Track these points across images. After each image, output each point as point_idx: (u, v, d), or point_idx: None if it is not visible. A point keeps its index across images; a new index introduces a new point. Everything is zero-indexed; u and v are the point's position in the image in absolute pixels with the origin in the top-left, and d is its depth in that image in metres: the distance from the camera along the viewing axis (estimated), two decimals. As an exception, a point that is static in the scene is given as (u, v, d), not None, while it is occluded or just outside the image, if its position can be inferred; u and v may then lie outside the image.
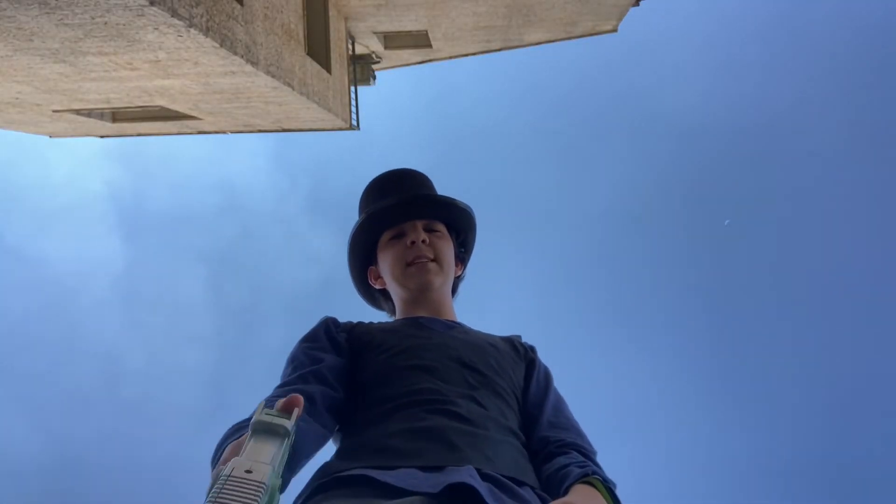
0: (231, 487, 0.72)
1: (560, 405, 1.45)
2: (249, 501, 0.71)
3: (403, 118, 51.90)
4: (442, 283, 1.61)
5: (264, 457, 0.80)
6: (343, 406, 1.32)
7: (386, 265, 1.62)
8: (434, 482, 1.07)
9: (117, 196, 46.54)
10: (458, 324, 1.59)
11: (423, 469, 1.13)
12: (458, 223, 1.70)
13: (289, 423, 0.87)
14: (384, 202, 1.64)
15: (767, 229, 44.47)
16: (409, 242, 1.58)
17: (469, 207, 1.70)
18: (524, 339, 1.61)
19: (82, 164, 46.60)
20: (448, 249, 1.64)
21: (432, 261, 1.59)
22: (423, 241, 1.59)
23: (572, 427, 1.39)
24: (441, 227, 1.65)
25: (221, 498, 0.71)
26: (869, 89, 43.62)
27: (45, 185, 46.57)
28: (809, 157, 45.26)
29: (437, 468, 1.13)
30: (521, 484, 1.18)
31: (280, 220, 49.99)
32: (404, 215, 1.62)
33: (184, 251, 48.26)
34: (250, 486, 0.73)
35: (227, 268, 48.35)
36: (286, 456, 0.86)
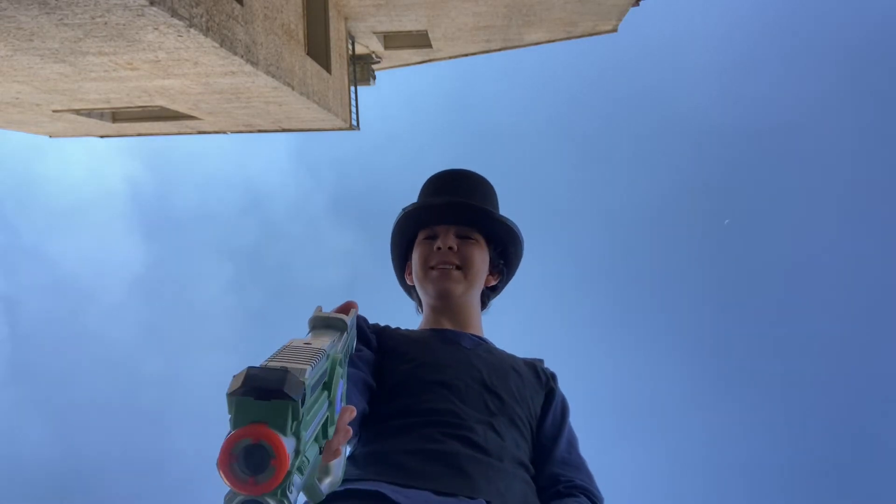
0: (287, 352, 0.67)
1: (573, 441, 1.44)
2: (306, 362, 0.65)
3: (403, 118, 51.93)
4: (464, 292, 1.57)
5: (324, 339, 0.76)
6: (374, 400, 1.31)
7: (413, 266, 1.62)
8: None
9: (137, 194, 46.39)
10: (485, 340, 1.57)
11: (436, 493, 1.13)
12: (496, 235, 1.66)
13: (347, 318, 0.83)
14: (427, 201, 1.63)
15: (769, 229, 44.44)
16: (436, 247, 1.57)
17: (510, 221, 1.65)
18: (546, 364, 1.58)
19: (101, 161, 46.36)
20: (479, 259, 1.60)
21: (458, 269, 1.56)
22: (451, 248, 1.56)
23: (583, 468, 1.38)
24: (477, 236, 1.62)
25: (277, 358, 0.65)
26: (869, 90, 43.59)
27: (62, 182, 46.41)
28: (810, 157, 45.24)
29: (450, 494, 1.13)
30: None
31: (303, 220, 49.92)
32: (440, 218, 1.61)
33: (205, 251, 48.06)
34: (309, 351, 0.68)
35: (249, 268, 48.18)
36: (348, 348, 0.82)
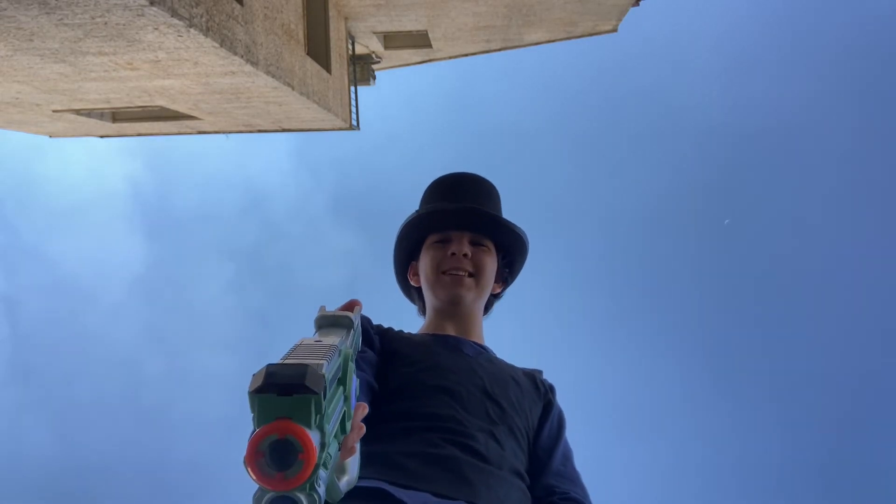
0: (301, 350, 0.68)
1: (568, 454, 1.44)
2: (321, 358, 0.65)
3: (403, 118, 51.93)
4: (474, 299, 1.59)
5: (333, 336, 0.77)
6: (375, 401, 1.30)
7: (423, 267, 1.62)
8: None
9: (138, 194, 46.30)
10: (486, 349, 1.58)
11: (437, 495, 1.13)
12: (507, 244, 1.67)
13: (352, 315, 0.84)
14: (440, 205, 1.62)
15: (769, 230, 44.46)
16: (450, 252, 1.57)
17: (523, 232, 1.66)
18: (545, 376, 1.59)
19: (101, 161, 46.07)
20: (490, 267, 1.61)
21: (470, 276, 1.57)
22: (465, 255, 1.57)
23: (578, 482, 1.38)
24: (489, 244, 1.63)
25: (292, 357, 0.66)
26: (869, 89, 43.61)
27: (62, 182, 46.25)
28: (810, 157, 45.25)
29: (450, 498, 1.13)
30: None
31: (303, 220, 49.88)
32: (455, 224, 1.61)
33: (205, 251, 47.90)
34: (321, 348, 0.69)
35: (250, 269, 48.03)
36: (356, 345, 0.83)
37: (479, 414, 1.32)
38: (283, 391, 0.59)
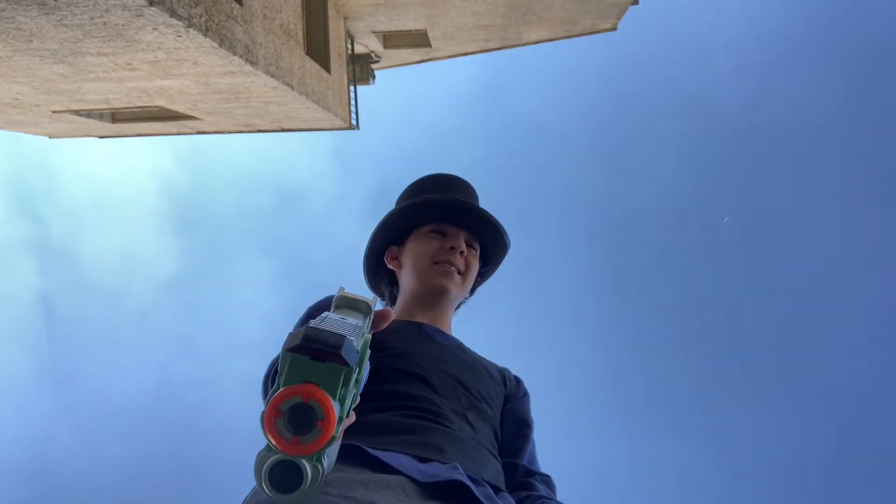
0: (331, 324, 0.67)
1: (533, 443, 1.47)
2: (348, 334, 0.64)
3: (403, 118, 51.89)
4: (457, 296, 1.61)
5: (356, 319, 0.76)
6: None
7: (413, 253, 1.61)
8: (424, 472, 1.08)
9: (171, 194, 45.65)
10: (457, 340, 1.60)
11: (413, 457, 1.13)
12: (491, 252, 1.71)
13: (370, 300, 0.84)
14: (446, 197, 1.64)
15: (769, 228, 44.47)
16: (448, 246, 1.59)
17: (510, 247, 1.71)
18: (513, 372, 1.63)
19: (133, 160, 45.29)
20: (475, 270, 1.65)
21: (459, 273, 1.59)
22: (462, 252, 1.59)
23: (537, 464, 1.43)
24: (478, 248, 1.66)
25: (323, 326, 0.64)
26: (871, 89, 43.60)
27: (92, 182, 45.65)
28: (810, 156, 45.27)
29: (426, 460, 1.14)
30: (498, 491, 1.21)
31: (339, 220, 49.26)
32: (457, 219, 1.62)
33: (240, 252, 47.04)
34: (348, 325, 0.69)
35: (284, 270, 46.91)
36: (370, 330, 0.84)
37: (451, 399, 1.33)
38: (316, 356, 0.59)
